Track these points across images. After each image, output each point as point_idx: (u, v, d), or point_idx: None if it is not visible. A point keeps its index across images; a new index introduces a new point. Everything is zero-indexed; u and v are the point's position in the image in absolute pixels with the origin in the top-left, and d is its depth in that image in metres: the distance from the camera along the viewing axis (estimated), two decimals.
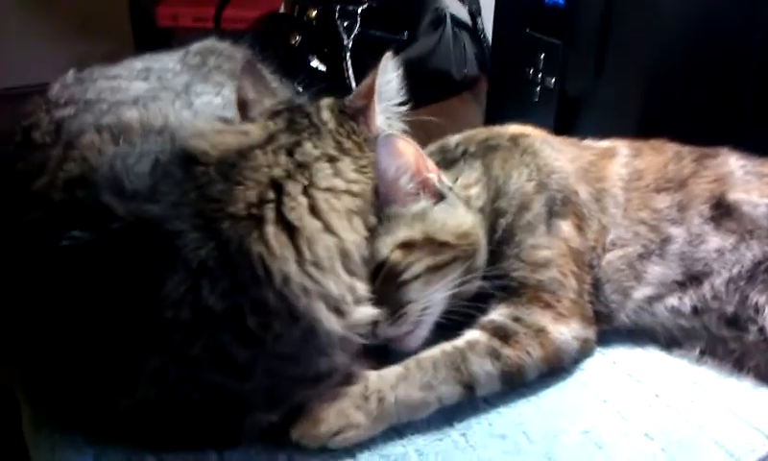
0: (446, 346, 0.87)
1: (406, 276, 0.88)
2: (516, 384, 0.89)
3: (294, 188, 0.80)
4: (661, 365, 0.95)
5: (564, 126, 1.32)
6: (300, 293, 0.76)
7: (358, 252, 0.83)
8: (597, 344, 0.96)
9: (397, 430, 0.84)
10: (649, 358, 0.96)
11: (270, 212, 0.78)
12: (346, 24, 1.64)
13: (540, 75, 1.39)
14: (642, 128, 1.21)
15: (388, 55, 0.94)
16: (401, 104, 0.96)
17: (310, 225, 0.79)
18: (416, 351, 0.88)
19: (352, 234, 0.83)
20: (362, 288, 0.82)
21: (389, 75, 0.94)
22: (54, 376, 0.81)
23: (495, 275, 0.93)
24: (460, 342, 0.88)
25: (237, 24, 1.79)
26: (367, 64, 1.69)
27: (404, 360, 0.86)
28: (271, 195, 0.79)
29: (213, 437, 0.80)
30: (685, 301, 0.95)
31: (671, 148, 1.07)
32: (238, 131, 0.86)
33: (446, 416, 0.86)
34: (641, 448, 0.84)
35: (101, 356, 0.76)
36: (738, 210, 0.96)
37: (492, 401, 0.89)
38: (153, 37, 1.86)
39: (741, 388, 0.91)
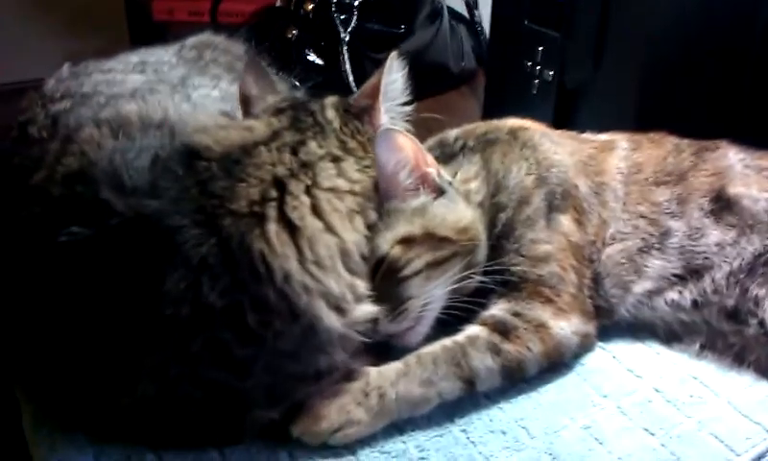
0: (447, 341, 0.87)
1: (406, 271, 0.88)
2: (516, 379, 0.89)
3: (297, 188, 0.80)
4: (661, 360, 0.95)
5: (563, 119, 1.32)
6: (301, 291, 0.76)
7: (358, 250, 0.82)
8: (597, 339, 0.96)
9: (398, 426, 0.84)
10: (649, 353, 0.96)
11: (272, 210, 0.78)
12: (342, 17, 1.63)
13: (538, 68, 1.39)
14: (641, 120, 1.21)
15: (393, 54, 0.94)
16: (406, 103, 0.95)
17: (312, 224, 0.79)
18: (416, 347, 0.87)
19: (353, 234, 0.82)
20: (362, 286, 0.82)
21: (394, 75, 0.93)
22: (54, 374, 0.80)
23: (495, 270, 0.92)
24: (460, 337, 0.88)
25: (233, 18, 1.79)
26: (364, 58, 1.69)
27: (404, 356, 0.86)
28: (273, 193, 0.79)
29: (214, 435, 0.80)
30: (686, 294, 0.95)
31: (670, 141, 1.06)
32: (242, 126, 0.85)
33: (447, 412, 0.86)
34: (641, 443, 0.84)
35: (101, 353, 0.76)
36: (738, 204, 0.96)
37: (493, 397, 0.88)
38: (148, 32, 1.85)
39: (741, 382, 0.91)
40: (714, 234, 0.96)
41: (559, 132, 1.10)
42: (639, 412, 0.87)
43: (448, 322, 0.91)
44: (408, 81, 0.96)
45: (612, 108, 1.31)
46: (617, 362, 0.94)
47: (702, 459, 0.82)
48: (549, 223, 0.97)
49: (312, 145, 0.84)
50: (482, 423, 0.86)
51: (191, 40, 1.20)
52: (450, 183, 0.95)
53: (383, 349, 0.88)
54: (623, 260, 0.98)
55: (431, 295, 0.89)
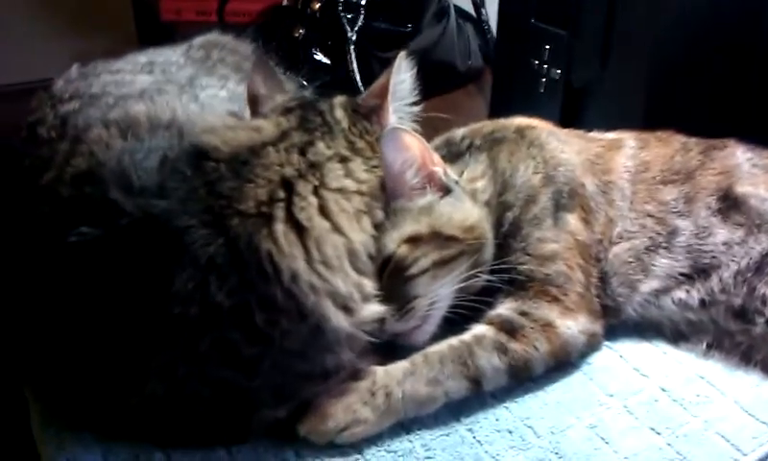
0: (453, 340, 0.87)
1: (413, 270, 0.88)
2: (522, 378, 0.89)
3: (304, 188, 0.80)
4: (668, 359, 0.95)
5: (570, 117, 1.31)
6: (309, 291, 0.76)
7: (366, 250, 0.83)
8: (604, 338, 0.96)
9: (404, 425, 0.85)
10: (656, 352, 0.96)
11: (280, 211, 0.78)
12: (349, 16, 1.63)
13: (545, 66, 1.38)
14: (648, 119, 1.21)
15: (402, 54, 0.94)
16: (414, 103, 0.96)
17: (319, 225, 0.79)
18: (423, 347, 0.88)
19: (361, 234, 0.83)
20: (369, 286, 0.82)
21: (402, 75, 0.94)
22: (62, 374, 0.81)
23: (502, 268, 0.92)
24: (467, 336, 0.88)
25: (240, 17, 1.79)
26: (371, 57, 1.69)
27: (411, 355, 0.86)
28: (281, 194, 0.79)
29: (221, 433, 0.81)
30: (693, 294, 0.95)
31: (678, 140, 1.06)
32: (250, 127, 0.86)
33: (453, 411, 0.86)
34: (648, 442, 0.84)
35: (109, 353, 0.76)
36: (746, 204, 0.96)
37: (499, 396, 0.89)
38: (156, 32, 1.86)
39: (748, 382, 0.91)
40: (722, 233, 0.96)
41: (566, 130, 1.10)
42: (646, 411, 0.87)
43: (455, 321, 0.91)
44: (415, 80, 0.96)
45: (619, 106, 1.30)
46: (624, 361, 0.94)
47: (708, 458, 0.82)
48: (556, 222, 0.97)
49: (320, 146, 0.85)
50: (488, 422, 0.86)
51: (199, 40, 1.21)
52: (457, 182, 0.95)
53: (390, 348, 0.88)
54: (630, 259, 0.97)
55: (438, 294, 0.89)
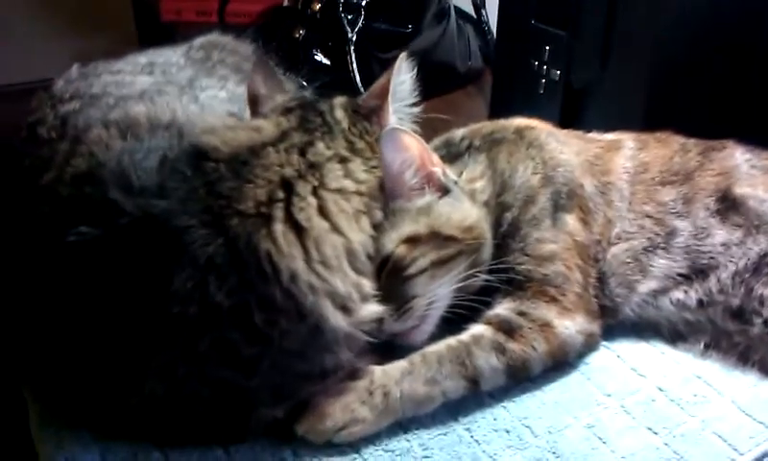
0: (451, 340, 0.88)
1: (411, 270, 0.88)
2: (520, 378, 0.89)
3: (304, 189, 0.81)
4: (666, 359, 0.95)
5: (570, 118, 1.32)
6: (308, 290, 0.76)
7: (365, 250, 0.83)
8: (602, 338, 0.96)
9: (402, 425, 0.85)
10: (653, 352, 0.96)
11: (279, 211, 0.78)
12: (350, 17, 1.63)
13: (545, 67, 1.38)
14: (648, 120, 1.21)
15: (403, 56, 0.94)
16: (414, 105, 0.96)
17: (318, 225, 0.79)
18: (421, 346, 0.88)
19: (359, 235, 0.83)
20: (368, 286, 0.82)
21: (403, 76, 0.94)
22: (61, 373, 0.81)
23: (500, 268, 0.93)
24: (465, 336, 0.88)
25: (241, 18, 1.79)
26: (371, 57, 1.69)
27: (409, 355, 0.86)
28: (281, 194, 0.79)
29: (219, 433, 0.81)
30: (691, 294, 0.95)
31: (677, 141, 1.06)
32: (250, 127, 0.86)
33: (451, 410, 0.87)
34: (645, 442, 0.84)
35: (108, 352, 0.77)
36: (744, 205, 0.96)
37: (497, 396, 0.89)
38: (156, 32, 1.86)
39: (745, 382, 0.91)
40: (720, 234, 0.96)
41: (565, 131, 1.10)
42: (643, 411, 0.88)
43: (453, 320, 0.91)
44: (415, 81, 0.96)
45: (618, 107, 1.30)
46: (621, 361, 0.95)
47: (705, 458, 0.82)
48: (555, 222, 0.97)
49: (320, 146, 0.85)
50: (486, 421, 0.86)
51: (199, 41, 1.21)
52: (456, 183, 0.95)
53: (388, 348, 0.89)
54: (628, 260, 0.98)
55: (436, 293, 0.89)
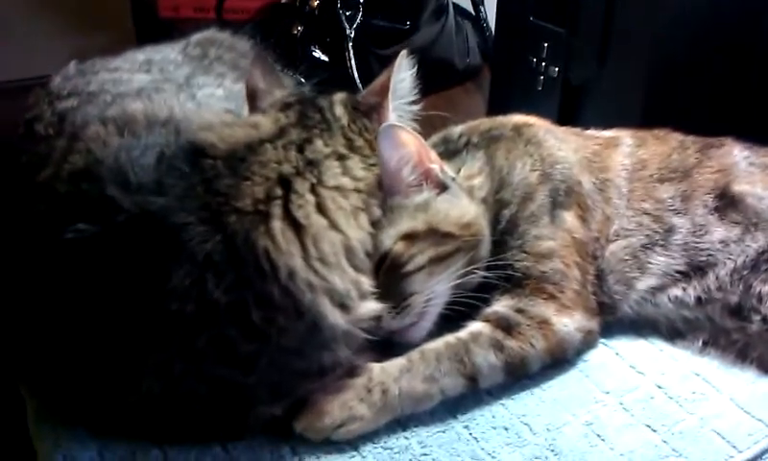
0: (450, 338, 0.88)
1: (409, 267, 0.88)
2: (519, 376, 0.89)
3: (302, 186, 0.80)
4: (664, 356, 0.95)
5: (568, 115, 1.32)
6: (306, 288, 0.76)
7: (363, 247, 0.83)
8: (600, 335, 0.96)
9: (401, 422, 0.85)
10: (652, 350, 0.96)
11: (277, 208, 0.78)
12: (348, 13, 1.63)
13: (543, 64, 1.38)
14: (646, 117, 1.21)
15: (403, 53, 0.94)
16: (414, 102, 0.96)
17: (317, 222, 0.79)
18: (419, 343, 0.88)
19: (358, 232, 0.83)
20: (366, 283, 0.82)
21: (403, 73, 0.94)
22: (58, 371, 0.81)
23: (498, 265, 0.93)
24: (463, 334, 0.88)
25: (238, 14, 1.79)
26: (369, 54, 1.69)
27: (408, 352, 0.86)
28: (278, 192, 0.79)
29: (217, 430, 0.81)
30: (689, 291, 0.95)
31: (675, 138, 1.06)
32: (248, 123, 0.86)
33: (450, 408, 0.87)
34: (644, 439, 0.84)
35: (105, 350, 0.76)
36: (743, 202, 0.96)
37: (496, 393, 0.89)
38: (154, 29, 1.86)
39: (744, 379, 0.91)
40: (718, 231, 0.96)
41: (563, 128, 1.10)
42: (642, 408, 0.88)
43: (452, 317, 0.91)
44: (415, 78, 0.96)
45: (617, 104, 1.30)
46: (620, 359, 0.95)
47: (704, 456, 0.82)
48: (553, 219, 0.97)
49: (318, 143, 0.85)
50: (484, 419, 0.86)
51: (196, 37, 1.21)
52: (454, 179, 0.95)
53: (387, 345, 0.89)
54: (627, 257, 0.98)
55: (434, 290, 0.89)
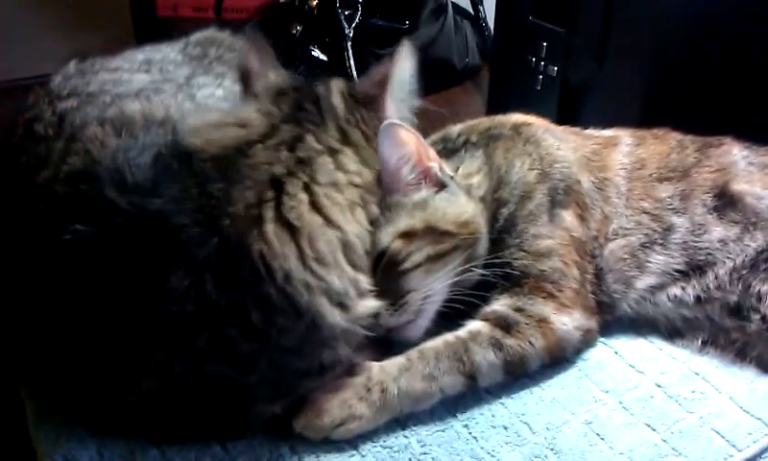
0: (449, 336, 0.88)
1: (407, 265, 0.88)
2: (518, 375, 0.89)
3: (294, 187, 0.80)
4: (663, 355, 0.95)
5: (567, 115, 1.32)
6: (303, 289, 0.76)
7: (361, 243, 0.82)
8: (599, 334, 0.96)
9: (400, 421, 0.85)
10: (651, 349, 0.96)
11: (269, 211, 0.77)
12: (347, 13, 1.63)
13: (542, 63, 1.39)
14: (645, 116, 1.21)
15: (405, 43, 0.92)
16: (414, 93, 0.94)
17: (311, 222, 0.79)
18: (417, 341, 0.88)
19: (355, 226, 0.82)
20: (365, 281, 0.82)
21: (405, 64, 0.92)
22: (58, 371, 0.81)
23: (497, 264, 0.93)
24: (462, 332, 0.88)
25: (238, 14, 1.79)
26: (368, 54, 1.69)
27: (407, 351, 0.86)
28: (270, 194, 0.78)
29: (217, 429, 0.81)
30: (688, 290, 0.95)
31: (674, 137, 1.06)
32: (238, 122, 0.85)
33: (449, 407, 0.87)
34: (643, 438, 0.84)
35: (105, 350, 0.76)
36: (741, 201, 0.96)
37: (495, 392, 0.89)
38: (153, 28, 1.86)
39: (743, 378, 0.91)
40: (717, 231, 0.96)
41: (562, 127, 1.10)
42: (641, 407, 0.88)
43: (451, 316, 0.91)
44: (416, 74, 0.95)
45: (616, 104, 1.30)
46: (619, 358, 0.95)
47: (703, 455, 0.82)
48: (552, 218, 0.97)
49: (310, 140, 0.84)
50: (484, 418, 0.86)
51: (196, 37, 1.20)
52: (452, 178, 0.95)
53: (386, 344, 0.89)
54: (626, 256, 0.98)
55: (432, 288, 0.89)
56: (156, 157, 0.79)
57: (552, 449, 0.83)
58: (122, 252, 0.75)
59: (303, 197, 0.79)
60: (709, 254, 0.95)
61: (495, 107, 1.44)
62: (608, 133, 1.09)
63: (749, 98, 1.29)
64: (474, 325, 0.89)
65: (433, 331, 0.90)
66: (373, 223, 0.86)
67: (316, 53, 1.64)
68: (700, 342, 0.95)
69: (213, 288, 0.74)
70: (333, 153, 0.84)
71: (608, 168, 1.03)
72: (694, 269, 0.95)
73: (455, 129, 1.08)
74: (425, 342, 0.88)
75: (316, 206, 0.80)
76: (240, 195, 0.77)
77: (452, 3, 1.82)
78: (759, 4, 1.26)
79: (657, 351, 0.96)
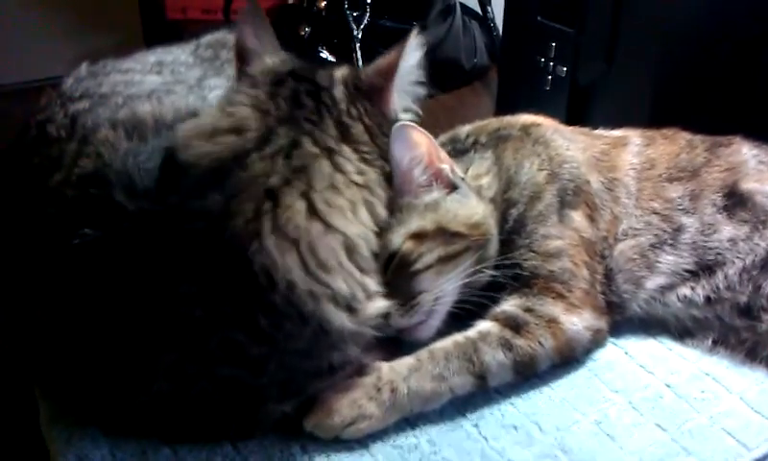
0: (459, 337, 0.88)
1: (418, 266, 0.88)
2: (527, 375, 0.90)
3: (290, 197, 0.77)
4: (673, 355, 0.95)
5: (576, 115, 1.32)
6: (307, 298, 0.75)
7: (366, 244, 0.81)
8: (609, 334, 0.96)
9: (410, 421, 0.85)
10: (661, 349, 0.96)
11: (267, 223, 0.76)
12: (355, 14, 1.64)
13: (551, 64, 1.39)
14: (654, 116, 1.21)
15: (415, 33, 0.89)
16: (419, 84, 0.92)
17: (311, 230, 0.77)
18: (428, 342, 0.88)
19: (357, 227, 0.81)
20: (372, 283, 0.81)
21: (412, 55, 0.89)
22: (70, 372, 0.81)
23: (507, 264, 0.93)
24: (472, 333, 0.88)
25: None
26: (376, 54, 1.69)
27: (417, 351, 0.86)
28: (267, 206, 0.76)
29: (228, 429, 0.81)
30: (698, 290, 0.95)
31: (683, 137, 1.06)
32: (232, 127, 0.81)
33: (459, 407, 0.87)
34: (653, 438, 0.84)
35: (117, 352, 0.77)
36: (751, 200, 0.96)
37: (505, 392, 0.89)
38: (162, 30, 1.87)
39: (754, 378, 0.91)
40: (727, 230, 0.96)
41: (571, 128, 1.10)
42: (651, 407, 0.88)
43: (461, 316, 0.91)
44: (423, 65, 0.93)
45: (625, 104, 1.30)
46: (629, 358, 0.95)
47: (713, 455, 0.82)
48: (561, 219, 0.97)
49: (307, 145, 0.81)
50: (494, 418, 0.86)
51: (206, 39, 1.20)
52: (463, 179, 0.95)
53: (395, 344, 0.89)
54: (635, 256, 0.98)
55: (443, 289, 0.89)
56: (163, 163, 0.79)
57: (562, 449, 0.83)
58: (131, 255, 0.75)
59: (300, 206, 0.77)
60: (719, 253, 0.95)
61: (504, 107, 1.44)
62: (617, 133, 1.09)
63: (758, 97, 1.28)
64: (484, 325, 0.89)
65: (443, 332, 0.90)
66: (379, 221, 0.85)
67: (324, 54, 1.64)
68: (710, 342, 0.95)
69: (220, 294, 0.74)
70: (331, 153, 0.82)
71: (617, 168, 1.02)
72: (704, 269, 0.95)
73: (464, 129, 1.08)
74: (435, 342, 0.88)
75: (315, 213, 0.78)
76: (238, 208, 0.76)
77: (460, 3, 1.83)
78: None
79: (667, 352, 0.96)
